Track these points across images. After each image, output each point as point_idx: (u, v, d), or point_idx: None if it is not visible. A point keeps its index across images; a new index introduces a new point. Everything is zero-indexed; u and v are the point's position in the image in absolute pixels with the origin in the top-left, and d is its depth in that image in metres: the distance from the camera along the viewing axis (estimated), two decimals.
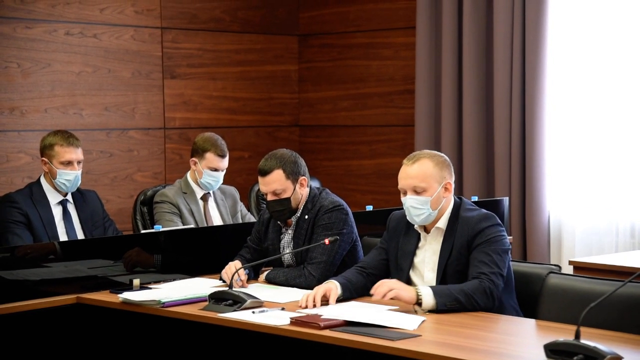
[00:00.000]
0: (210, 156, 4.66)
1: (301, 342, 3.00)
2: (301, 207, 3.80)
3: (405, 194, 3.35)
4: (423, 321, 3.04)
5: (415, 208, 3.32)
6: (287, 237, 3.84)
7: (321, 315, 3.09)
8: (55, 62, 5.75)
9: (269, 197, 3.75)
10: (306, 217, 3.77)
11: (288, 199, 3.74)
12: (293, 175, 3.74)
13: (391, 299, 3.15)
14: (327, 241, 3.59)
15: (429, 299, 3.14)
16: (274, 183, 3.72)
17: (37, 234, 4.31)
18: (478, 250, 3.27)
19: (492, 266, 3.22)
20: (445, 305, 3.13)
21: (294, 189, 3.74)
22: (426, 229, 3.40)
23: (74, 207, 4.49)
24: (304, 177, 3.78)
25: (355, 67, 6.75)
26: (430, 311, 3.14)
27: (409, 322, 3.02)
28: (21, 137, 5.64)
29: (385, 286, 3.14)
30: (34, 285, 3.63)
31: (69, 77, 5.81)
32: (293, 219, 3.81)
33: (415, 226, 3.41)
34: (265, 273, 3.82)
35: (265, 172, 3.73)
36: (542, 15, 5.65)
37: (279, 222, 3.84)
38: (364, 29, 6.71)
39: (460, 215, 3.35)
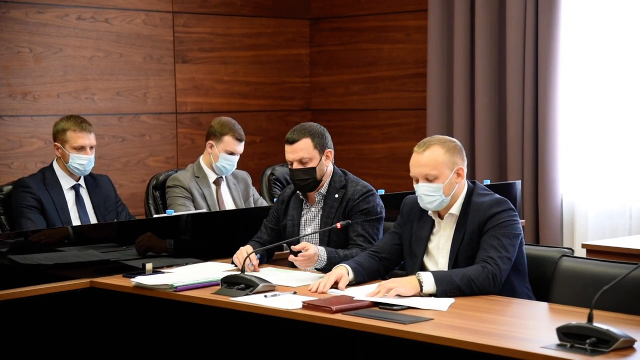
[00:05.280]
0: (228, 139, 4.66)
1: (313, 326, 3.01)
2: (325, 181, 3.81)
3: (417, 181, 3.34)
4: (453, 302, 3.05)
5: (427, 195, 3.32)
6: (309, 215, 3.84)
7: (353, 297, 3.13)
8: (67, 46, 5.76)
9: (295, 166, 3.77)
10: (336, 196, 3.78)
11: (313, 169, 3.75)
12: (320, 146, 3.78)
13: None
14: (339, 225, 3.60)
15: (429, 286, 3.15)
16: (301, 151, 3.75)
17: (50, 218, 4.32)
18: (488, 234, 3.26)
19: (500, 250, 3.22)
20: (446, 294, 3.14)
21: (320, 160, 3.77)
22: (440, 215, 3.40)
23: (87, 191, 4.50)
24: (330, 150, 3.82)
25: (367, 51, 6.73)
26: (431, 295, 3.15)
27: (439, 303, 3.04)
28: (34, 122, 5.65)
29: (384, 289, 3.14)
30: (48, 270, 3.65)
31: (80, 61, 5.82)
32: (317, 196, 3.82)
33: (429, 212, 3.41)
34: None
35: (293, 140, 3.77)
36: None
37: (300, 197, 3.84)
38: (375, 12, 6.68)
39: (473, 201, 3.34)
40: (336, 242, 3.74)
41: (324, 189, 3.82)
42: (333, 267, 3.44)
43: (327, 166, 3.81)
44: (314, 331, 3.03)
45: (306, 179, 3.77)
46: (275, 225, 3.91)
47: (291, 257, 3.54)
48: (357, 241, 3.72)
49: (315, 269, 3.69)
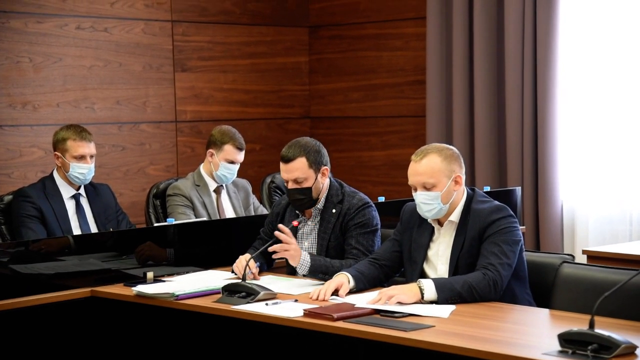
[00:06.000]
0: (228, 148, 4.67)
1: (314, 334, 3.01)
2: (322, 197, 3.79)
3: (415, 190, 3.35)
4: (454, 309, 3.06)
5: (425, 204, 3.32)
6: (306, 228, 3.83)
7: (354, 304, 3.13)
8: (66, 56, 5.76)
9: (290, 185, 3.74)
10: (333, 210, 3.77)
11: (309, 189, 3.73)
12: (316, 164, 3.74)
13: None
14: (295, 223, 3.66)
15: (430, 293, 3.15)
16: (296, 171, 3.72)
17: (51, 227, 4.33)
18: (488, 241, 3.27)
19: (500, 257, 3.22)
20: (447, 301, 3.14)
21: (316, 179, 3.74)
22: (440, 222, 3.40)
23: (87, 200, 4.50)
24: (325, 167, 3.78)
25: (366, 58, 6.74)
26: (432, 302, 3.15)
27: (440, 310, 3.04)
28: (34, 132, 5.65)
29: (385, 296, 3.14)
30: (49, 279, 3.65)
31: (80, 71, 5.82)
32: (313, 211, 3.81)
33: (429, 219, 3.41)
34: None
35: (288, 159, 3.73)
36: (553, 3, 5.63)
37: (297, 212, 3.83)
38: (374, 20, 6.69)
39: (472, 208, 3.34)
40: (333, 257, 3.73)
41: (320, 204, 3.80)
42: (333, 275, 3.44)
43: (323, 183, 3.77)
44: (315, 339, 3.03)
45: (302, 199, 3.74)
46: (270, 237, 3.89)
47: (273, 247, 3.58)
48: (353, 254, 3.71)
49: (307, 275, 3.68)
